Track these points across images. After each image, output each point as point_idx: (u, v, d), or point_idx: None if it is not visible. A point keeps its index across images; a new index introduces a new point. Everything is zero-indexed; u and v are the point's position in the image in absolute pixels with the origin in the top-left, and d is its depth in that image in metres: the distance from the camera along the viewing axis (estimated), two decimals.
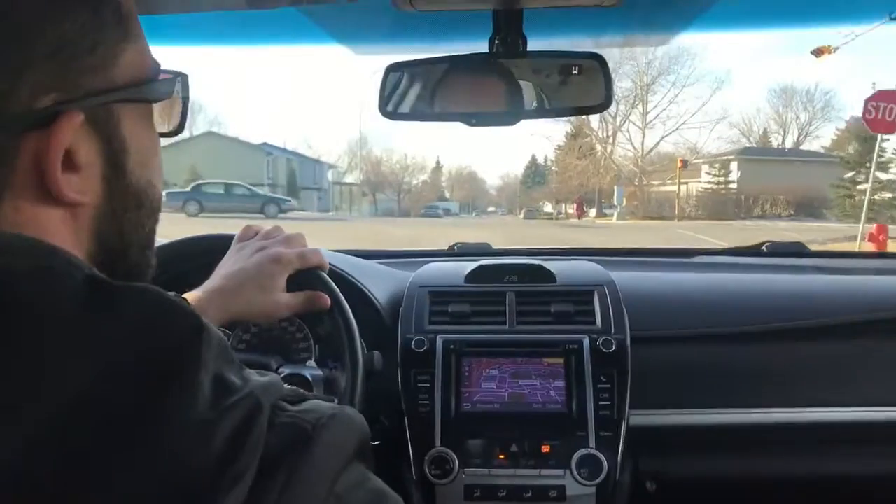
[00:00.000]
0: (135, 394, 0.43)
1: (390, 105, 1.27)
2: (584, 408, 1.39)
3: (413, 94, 1.27)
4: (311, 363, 1.38)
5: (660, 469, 1.50)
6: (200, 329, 0.47)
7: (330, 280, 1.24)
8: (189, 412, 0.44)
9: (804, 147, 47.70)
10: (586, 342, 1.43)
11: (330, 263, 1.35)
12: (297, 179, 47.13)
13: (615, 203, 39.54)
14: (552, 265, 1.63)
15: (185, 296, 1.08)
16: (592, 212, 44.52)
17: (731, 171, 39.60)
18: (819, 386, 1.54)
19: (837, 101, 52.12)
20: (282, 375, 1.24)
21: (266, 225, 1.26)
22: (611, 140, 45.06)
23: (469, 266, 1.64)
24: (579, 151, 44.92)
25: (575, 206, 45.38)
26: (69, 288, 0.45)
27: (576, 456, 1.36)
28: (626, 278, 1.63)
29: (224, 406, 0.45)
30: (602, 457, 1.36)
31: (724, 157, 41.00)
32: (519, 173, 65.23)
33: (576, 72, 1.20)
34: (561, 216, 46.71)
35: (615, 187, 40.63)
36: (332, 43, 1.37)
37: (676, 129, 43.72)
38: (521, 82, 1.22)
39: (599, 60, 1.18)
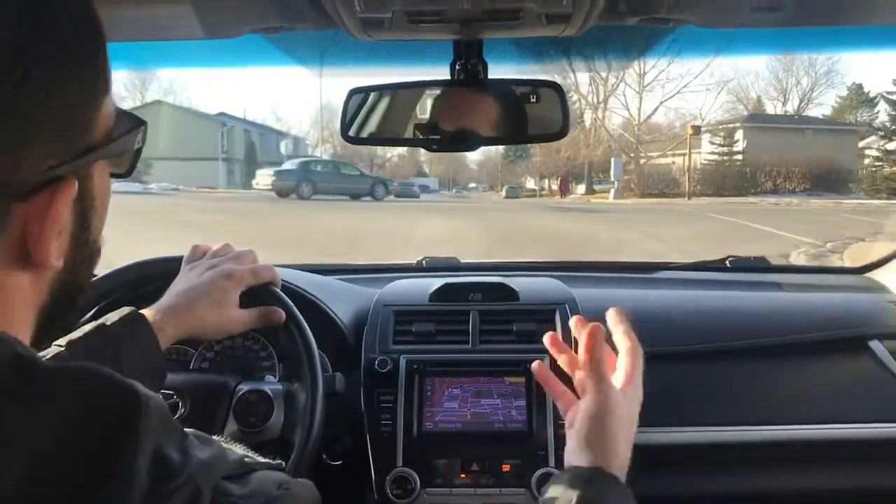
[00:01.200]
0: (64, 490, 0.42)
1: (352, 128, 1.28)
2: (544, 427, 1.41)
3: (374, 117, 1.28)
4: (272, 378, 1.38)
5: None
6: (138, 405, 0.46)
7: (284, 295, 1.25)
8: (123, 502, 0.42)
9: (806, 115, 43.91)
10: (547, 361, 1.45)
11: (291, 283, 1.36)
12: (257, 153, 42.73)
13: (612, 178, 33.72)
14: (516, 282, 1.64)
15: (149, 309, 1.10)
16: (580, 188, 39.25)
17: (735, 141, 35.66)
18: (777, 404, 1.57)
19: (841, 65, 47.51)
20: (241, 391, 1.25)
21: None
22: (602, 105, 38.69)
23: (435, 283, 1.65)
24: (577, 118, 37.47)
25: (559, 182, 40.57)
26: None
27: (535, 475, 1.38)
28: (588, 295, 1.64)
29: (162, 494, 0.44)
30: None
31: (728, 125, 36.96)
32: (501, 147, 62.10)
33: (534, 100, 1.21)
34: (544, 192, 43.44)
35: (612, 159, 34.48)
36: (293, 65, 1.38)
37: (679, 91, 39.28)
38: (481, 109, 1.23)
39: (557, 89, 1.20)
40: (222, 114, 44.85)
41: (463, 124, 1.24)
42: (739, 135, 35.87)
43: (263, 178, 25.73)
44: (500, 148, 56.50)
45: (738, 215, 17.45)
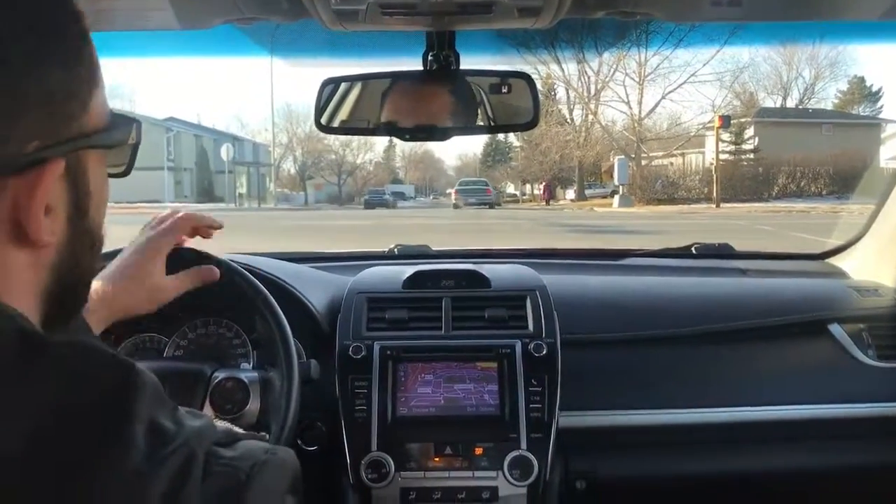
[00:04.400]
0: (67, 451, 0.44)
1: (325, 118, 1.30)
2: (516, 410, 1.44)
3: (347, 107, 1.31)
4: (246, 365, 1.40)
5: (589, 468, 1.56)
6: (133, 378, 0.49)
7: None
8: (123, 466, 0.45)
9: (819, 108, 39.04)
10: (518, 346, 1.48)
11: (265, 271, 1.38)
12: (210, 160, 39.60)
13: (616, 182, 28.55)
14: (487, 269, 1.67)
15: None
16: (569, 193, 35.67)
17: (746, 139, 31.50)
18: (740, 386, 1.61)
19: (846, 56, 41.45)
20: (217, 379, 1.26)
21: None
22: (595, 99, 33.08)
23: (407, 271, 1.67)
24: (558, 115, 33.90)
25: (542, 188, 36.40)
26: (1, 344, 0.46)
27: (508, 457, 1.41)
28: (558, 282, 1.68)
29: (159, 457, 0.47)
30: (533, 458, 1.41)
31: (738, 120, 31.60)
32: (478, 152, 58.02)
33: (505, 90, 1.24)
34: (526, 197, 41.41)
35: (616, 159, 29.49)
36: (266, 56, 1.39)
37: (687, 81, 31.21)
38: (453, 99, 1.26)
39: (527, 80, 1.22)
40: (171, 118, 41.76)
41: (435, 114, 1.26)
42: (750, 131, 31.93)
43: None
44: (479, 152, 55.52)
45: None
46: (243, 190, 36.54)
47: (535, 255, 2.09)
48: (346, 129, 1.33)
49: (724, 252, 2.15)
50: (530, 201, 39.37)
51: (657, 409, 1.57)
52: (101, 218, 0.61)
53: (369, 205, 33.97)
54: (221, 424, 0.59)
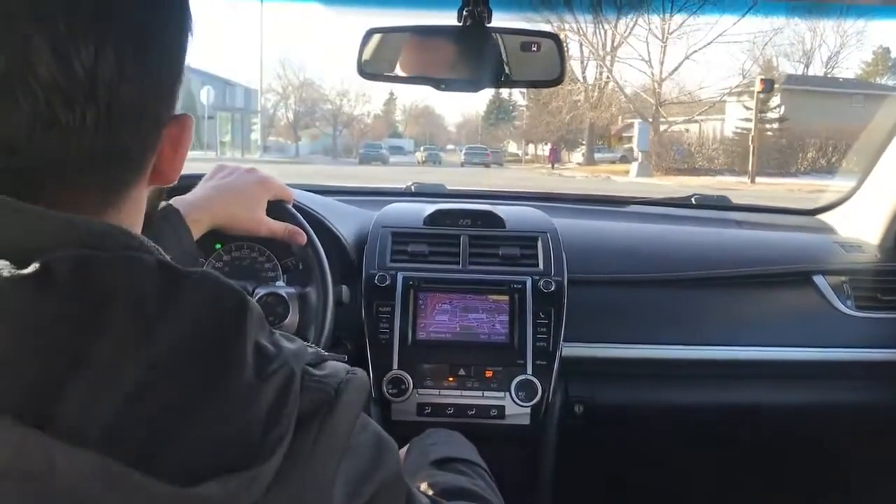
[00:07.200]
0: (199, 362, 0.53)
1: (366, 66, 1.41)
2: (524, 339, 1.59)
3: (388, 57, 1.41)
4: (281, 283, 1.53)
5: (587, 394, 1.72)
6: (245, 305, 0.57)
7: (299, 215, 1.40)
8: (240, 378, 0.54)
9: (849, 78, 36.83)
10: (529, 283, 1.62)
11: (300, 202, 1.51)
12: (196, 104, 35.85)
13: (636, 148, 26.91)
14: (502, 211, 1.80)
15: (174, 200, 1.20)
16: (576, 156, 34.97)
17: (772, 107, 29.47)
18: (728, 328, 1.76)
19: (874, 24, 41.43)
20: (258, 295, 1.39)
21: None
22: (611, 55, 30.96)
23: (428, 208, 1.80)
24: (570, 72, 28.42)
25: (549, 149, 35.40)
26: (145, 274, 0.54)
27: (515, 381, 1.57)
28: (567, 225, 1.82)
29: (266, 373, 0.56)
30: (537, 382, 1.56)
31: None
32: (481, 109, 56.20)
33: (535, 49, 1.35)
34: (528, 157, 41.16)
35: (636, 123, 27.74)
36: (310, 1, 1.48)
37: (714, 41, 29.56)
38: (486, 54, 1.36)
39: (556, 40, 1.33)
40: None
41: (469, 67, 1.37)
42: (776, 99, 29.54)
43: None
44: (481, 110, 53.79)
45: None
46: (227, 138, 35.79)
47: (546, 199, 2.21)
48: (385, 77, 1.44)
49: (722, 204, 2.28)
50: (532, 162, 39.03)
51: (652, 344, 1.72)
52: None
53: (364, 159, 33.74)
54: (312, 347, 0.66)
